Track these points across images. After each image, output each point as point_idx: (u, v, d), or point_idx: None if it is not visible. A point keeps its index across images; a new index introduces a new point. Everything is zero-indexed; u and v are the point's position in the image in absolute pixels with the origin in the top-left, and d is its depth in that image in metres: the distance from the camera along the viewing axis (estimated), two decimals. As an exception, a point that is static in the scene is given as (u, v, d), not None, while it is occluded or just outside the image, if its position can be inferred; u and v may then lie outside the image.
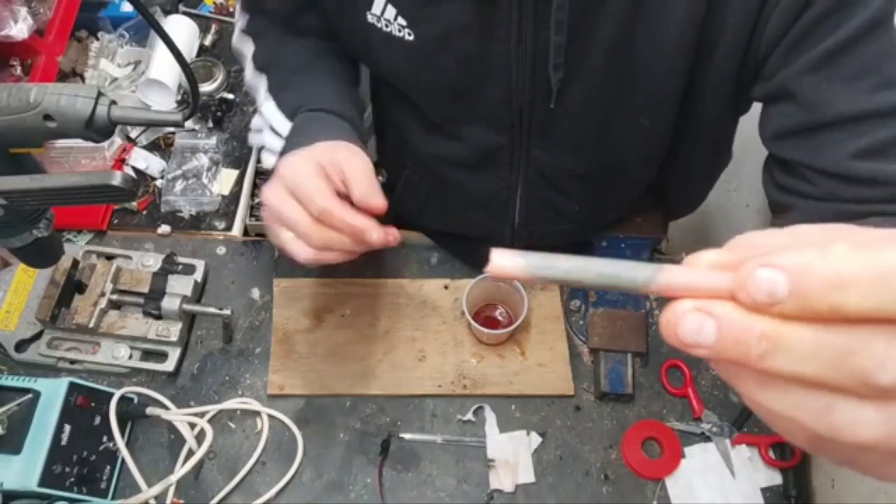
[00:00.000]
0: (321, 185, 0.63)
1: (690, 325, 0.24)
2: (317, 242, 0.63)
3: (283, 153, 0.72)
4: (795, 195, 0.65)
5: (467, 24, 0.65)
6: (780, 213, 0.69)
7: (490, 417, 0.86)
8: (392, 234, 0.65)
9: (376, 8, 0.68)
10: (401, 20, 0.67)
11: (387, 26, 0.68)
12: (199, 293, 0.94)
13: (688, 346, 0.24)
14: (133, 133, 1.12)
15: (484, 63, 0.68)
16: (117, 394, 0.81)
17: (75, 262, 0.89)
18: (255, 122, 0.81)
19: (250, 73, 0.82)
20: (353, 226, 0.62)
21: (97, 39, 1.21)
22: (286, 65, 0.80)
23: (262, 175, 1.09)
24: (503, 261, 0.26)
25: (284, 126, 0.76)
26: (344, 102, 0.78)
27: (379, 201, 0.64)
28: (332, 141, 0.69)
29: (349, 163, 0.65)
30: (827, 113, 0.60)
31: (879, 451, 0.23)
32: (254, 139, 0.82)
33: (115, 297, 0.88)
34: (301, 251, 0.64)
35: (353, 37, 0.74)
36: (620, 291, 0.26)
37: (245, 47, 0.83)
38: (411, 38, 0.68)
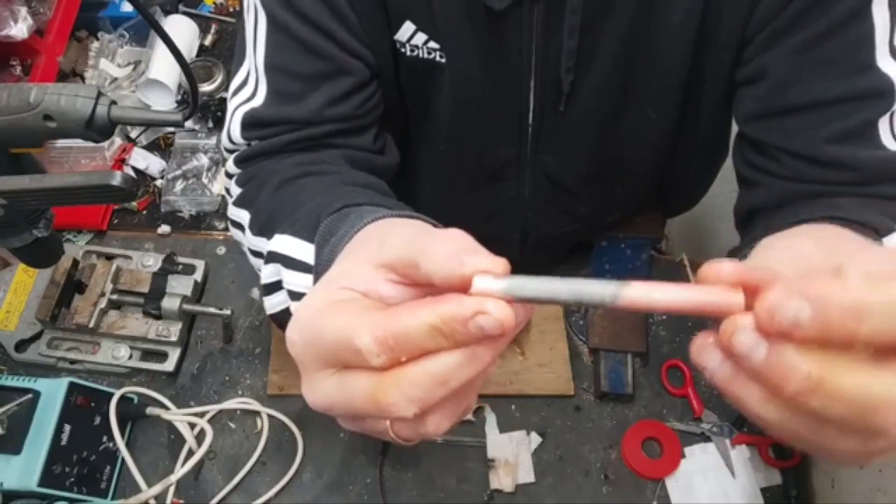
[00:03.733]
0: (347, 316, 0.32)
1: (747, 339, 0.26)
2: (413, 397, 0.30)
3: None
4: (763, 173, 0.67)
5: (484, 38, 0.65)
6: (747, 187, 0.70)
7: (490, 417, 0.86)
8: (523, 312, 0.31)
9: (403, 34, 0.67)
10: (432, 44, 0.67)
11: (412, 51, 0.68)
12: (199, 293, 0.94)
13: (733, 355, 0.26)
14: (133, 133, 1.12)
15: (498, 76, 0.68)
16: (117, 394, 0.81)
17: (75, 262, 0.89)
18: (267, 272, 0.54)
19: (252, 241, 0.61)
20: (436, 324, 0.29)
21: (97, 39, 1.21)
22: (293, 201, 0.58)
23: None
24: (483, 286, 0.29)
25: (306, 251, 0.50)
26: (373, 194, 0.57)
27: (477, 261, 0.30)
28: (377, 222, 0.43)
29: (395, 240, 0.36)
30: (802, 96, 0.61)
31: (845, 454, 0.28)
32: (270, 303, 0.55)
33: (115, 297, 0.88)
34: (416, 428, 0.33)
35: (381, 59, 0.69)
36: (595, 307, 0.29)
37: (241, 216, 0.64)
38: (443, 60, 0.68)
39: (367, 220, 0.43)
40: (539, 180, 0.80)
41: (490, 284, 0.29)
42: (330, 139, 0.67)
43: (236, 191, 0.67)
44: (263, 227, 0.59)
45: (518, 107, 0.71)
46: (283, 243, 0.52)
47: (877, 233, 0.51)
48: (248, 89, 0.67)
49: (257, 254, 0.60)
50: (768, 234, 0.42)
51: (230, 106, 0.68)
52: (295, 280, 0.50)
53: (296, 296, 0.50)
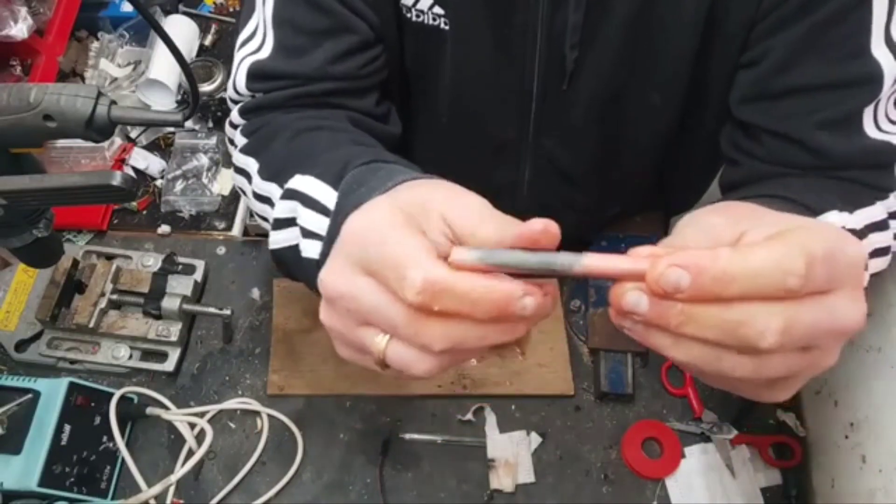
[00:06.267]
0: (414, 244, 0.35)
1: (631, 297, 0.33)
2: (431, 343, 0.35)
3: (332, 233, 0.48)
4: (745, 154, 0.69)
5: (491, 7, 0.65)
6: (729, 165, 0.73)
7: (490, 417, 0.86)
8: (549, 293, 0.37)
9: None
10: (437, 9, 0.67)
11: (418, 16, 0.68)
12: (199, 293, 0.94)
13: (626, 313, 0.34)
14: (133, 133, 1.12)
15: (502, 48, 0.68)
16: (117, 394, 0.81)
17: (75, 262, 0.89)
18: (281, 207, 0.55)
19: (261, 185, 0.62)
20: (484, 298, 0.34)
21: (97, 39, 1.21)
22: (313, 148, 0.60)
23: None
24: (460, 256, 0.34)
25: (327, 194, 0.51)
26: (399, 157, 0.57)
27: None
28: (417, 180, 0.45)
29: (452, 203, 0.39)
30: (797, 79, 0.62)
31: (749, 383, 0.36)
32: (276, 238, 0.56)
33: (115, 297, 0.88)
34: (411, 361, 0.37)
35: (385, 23, 0.69)
36: (558, 276, 0.36)
37: (248, 163, 0.65)
38: (447, 27, 0.68)
39: (400, 179, 0.45)
40: (540, 165, 0.80)
41: (465, 255, 0.34)
42: (331, 97, 0.68)
43: (241, 140, 0.68)
44: (277, 173, 0.60)
45: (521, 83, 0.71)
46: (306, 183, 0.53)
47: (812, 212, 0.53)
48: (256, 41, 0.68)
49: (264, 199, 0.62)
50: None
51: (237, 57, 0.70)
52: (311, 219, 0.51)
53: (308, 233, 0.51)
